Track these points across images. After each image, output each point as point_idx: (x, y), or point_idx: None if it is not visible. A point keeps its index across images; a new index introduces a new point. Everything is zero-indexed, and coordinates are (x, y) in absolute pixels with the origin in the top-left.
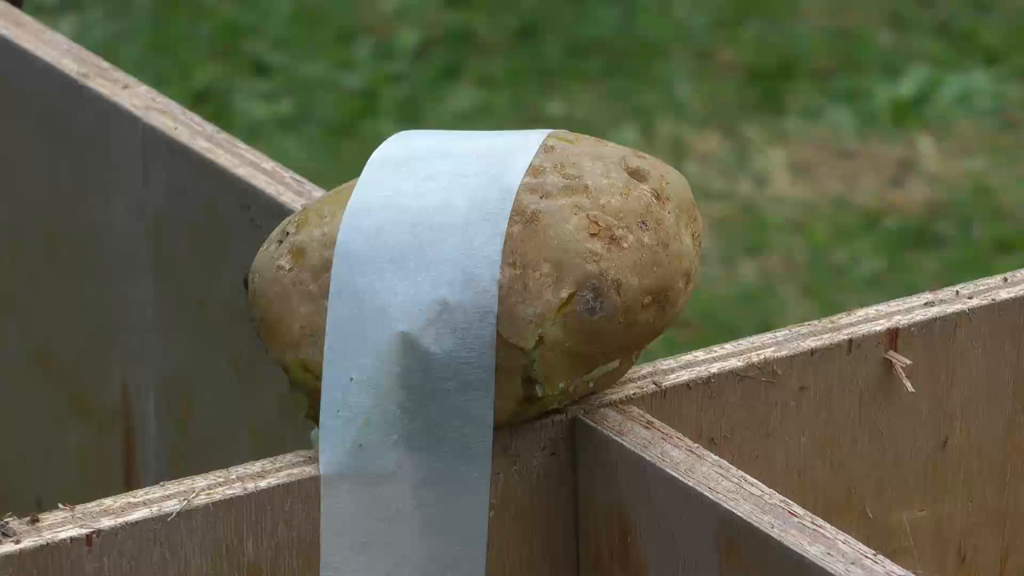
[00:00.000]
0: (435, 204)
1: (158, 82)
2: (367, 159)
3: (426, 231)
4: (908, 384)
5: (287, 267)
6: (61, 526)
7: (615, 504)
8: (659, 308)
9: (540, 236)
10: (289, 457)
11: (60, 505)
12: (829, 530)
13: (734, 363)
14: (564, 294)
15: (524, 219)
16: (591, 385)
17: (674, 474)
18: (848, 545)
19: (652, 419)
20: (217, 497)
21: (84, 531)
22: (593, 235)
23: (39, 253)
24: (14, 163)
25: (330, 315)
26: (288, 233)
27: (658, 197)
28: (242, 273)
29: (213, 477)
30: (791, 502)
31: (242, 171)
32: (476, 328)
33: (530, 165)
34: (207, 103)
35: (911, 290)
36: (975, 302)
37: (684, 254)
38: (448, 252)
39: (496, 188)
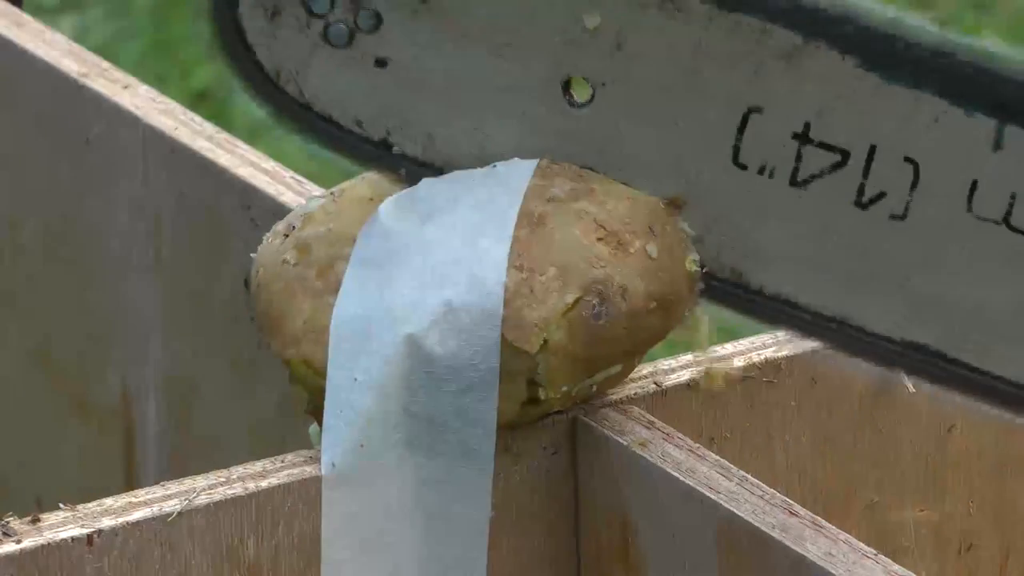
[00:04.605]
0: (442, 205)
1: (158, 82)
2: None
3: (433, 231)
4: (908, 384)
5: (292, 262)
6: (62, 526)
7: (616, 504)
8: (664, 314)
9: (547, 240)
10: (290, 457)
11: (61, 505)
12: (829, 530)
13: (734, 363)
14: (569, 299)
15: (531, 222)
16: (593, 388)
17: (675, 474)
18: (848, 545)
19: (653, 419)
20: (218, 497)
21: (85, 531)
22: (600, 240)
23: (39, 253)
24: (14, 163)
25: (335, 314)
26: (294, 227)
27: (666, 203)
28: (242, 273)
29: (214, 477)
30: (791, 502)
31: (242, 171)
32: (481, 330)
33: (537, 168)
34: (207, 103)
35: None
36: None
37: (690, 261)
38: (454, 254)
39: (504, 190)
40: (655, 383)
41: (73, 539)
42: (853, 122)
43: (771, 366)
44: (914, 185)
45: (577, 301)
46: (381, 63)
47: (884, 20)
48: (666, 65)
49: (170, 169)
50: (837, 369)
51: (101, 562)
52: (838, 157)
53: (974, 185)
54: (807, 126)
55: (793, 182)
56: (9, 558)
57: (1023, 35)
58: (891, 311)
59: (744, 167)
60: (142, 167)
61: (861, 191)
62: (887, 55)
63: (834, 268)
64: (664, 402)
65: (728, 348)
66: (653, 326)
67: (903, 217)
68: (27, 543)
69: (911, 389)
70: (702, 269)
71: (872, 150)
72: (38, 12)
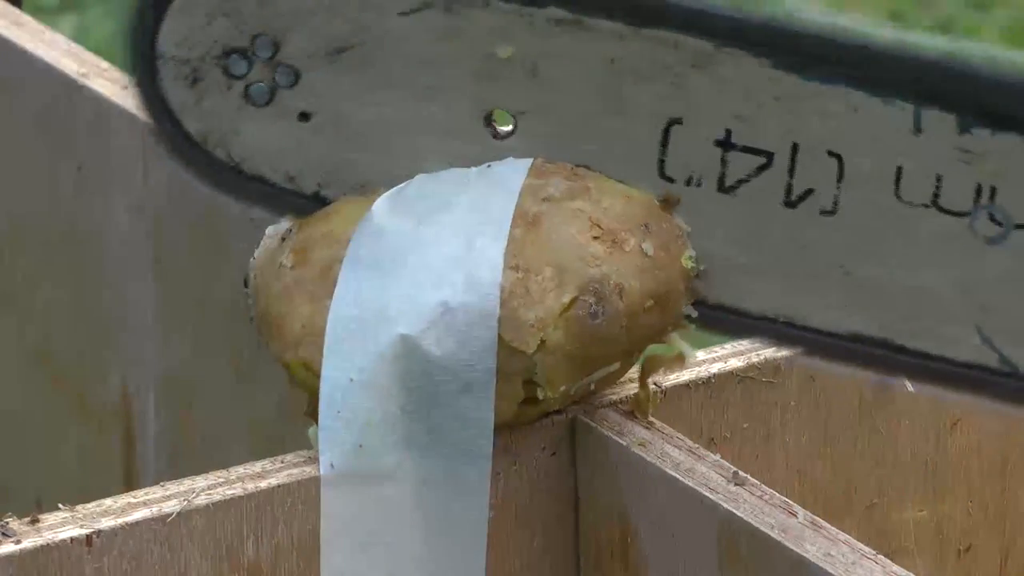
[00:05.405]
0: (437, 204)
1: None
2: None
3: (428, 231)
4: (908, 384)
5: (289, 265)
6: (61, 526)
7: (615, 504)
8: (661, 311)
9: (542, 239)
10: (289, 457)
11: (60, 505)
12: (829, 530)
13: (734, 363)
14: (566, 298)
15: (526, 222)
16: (591, 387)
17: (674, 474)
18: (848, 545)
19: (652, 419)
20: (217, 497)
21: (84, 531)
22: (596, 239)
23: (39, 253)
24: (14, 163)
25: (331, 315)
26: (291, 231)
27: (661, 200)
28: (242, 273)
29: (213, 477)
30: (791, 502)
31: None
32: (477, 331)
33: (532, 168)
34: None
35: None
36: None
37: (686, 258)
38: (450, 253)
39: (499, 190)
40: (655, 383)
41: (72, 539)
42: (773, 123)
43: (771, 366)
44: (840, 178)
45: (574, 300)
46: (304, 117)
47: (793, 20)
48: (583, 86)
49: (170, 169)
50: (837, 369)
51: (101, 562)
52: (763, 159)
53: (899, 171)
54: (728, 132)
55: (721, 189)
56: (9, 558)
57: (1022, 35)
58: (832, 305)
59: (672, 179)
60: (142, 167)
61: (789, 190)
62: (799, 54)
63: (771, 270)
64: (663, 402)
65: (727, 348)
66: (650, 324)
67: (833, 211)
68: (26, 543)
69: (911, 389)
70: (699, 265)
71: (795, 148)
72: (38, 12)
